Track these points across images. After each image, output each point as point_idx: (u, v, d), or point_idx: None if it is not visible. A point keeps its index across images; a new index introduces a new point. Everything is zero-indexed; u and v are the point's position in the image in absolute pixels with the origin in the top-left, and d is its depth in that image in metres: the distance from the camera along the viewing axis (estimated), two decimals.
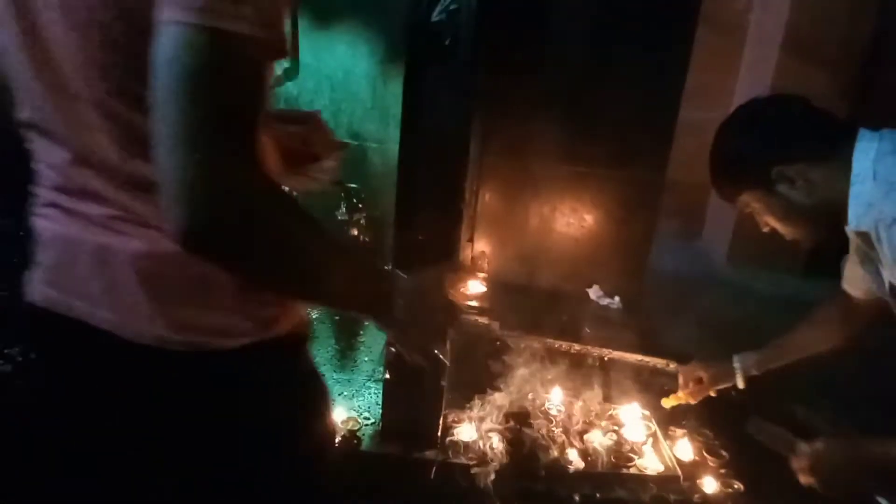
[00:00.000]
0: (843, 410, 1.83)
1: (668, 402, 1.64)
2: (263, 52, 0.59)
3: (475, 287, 2.16)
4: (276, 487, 0.79)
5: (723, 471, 1.57)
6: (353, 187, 2.14)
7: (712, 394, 1.60)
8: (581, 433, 1.66)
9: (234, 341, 0.73)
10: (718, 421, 1.72)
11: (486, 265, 2.32)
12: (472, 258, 2.33)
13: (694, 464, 1.59)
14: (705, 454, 1.62)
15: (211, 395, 0.75)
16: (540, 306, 2.14)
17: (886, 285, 1.12)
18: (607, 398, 1.83)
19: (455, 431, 1.60)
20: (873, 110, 2.65)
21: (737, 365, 1.57)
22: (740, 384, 1.57)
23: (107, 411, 0.78)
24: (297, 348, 0.81)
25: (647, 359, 1.96)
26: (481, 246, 2.33)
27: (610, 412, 1.77)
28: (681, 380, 1.64)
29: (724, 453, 1.62)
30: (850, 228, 1.08)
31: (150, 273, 0.71)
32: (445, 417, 1.60)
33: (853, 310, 1.41)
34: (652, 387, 1.87)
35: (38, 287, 0.77)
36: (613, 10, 2.02)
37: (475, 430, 1.61)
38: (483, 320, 1.99)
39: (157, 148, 0.56)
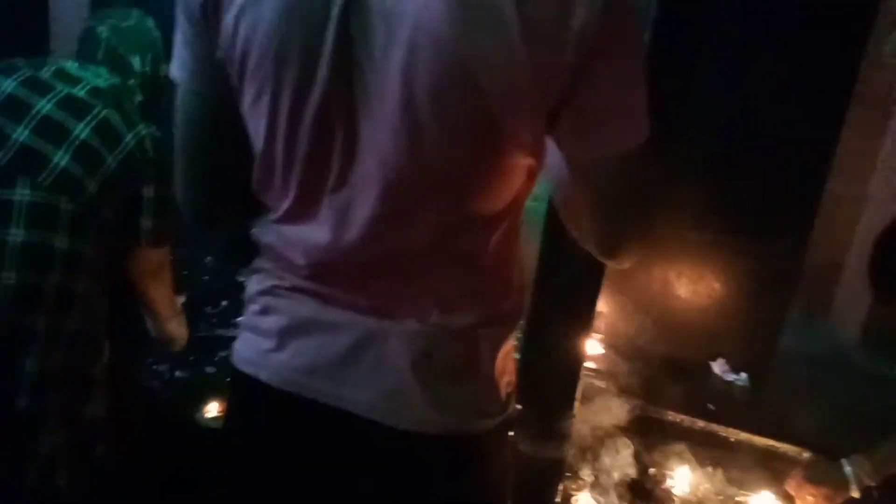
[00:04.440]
0: None
1: None
2: None
3: (592, 347, 2.11)
4: None
5: None
6: None
7: None
8: None
9: (490, 422, 0.76)
10: None
11: (602, 326, 2.26)
12: None
13: None
14: None
15: (458, 479, 0.76)
16: (658, 374, 2.05)
17: None
18: (733, 482, 1.71)
19: (573, 500, 1.54)
20: None
21: (849, 473, 1.45)
22: (856, 495, 1.44)
23: (349, 493, 0.78)
24: (512, 428, 0.86)
25: (777, 444, 1.83)
26: (599, 306, 2.28)
27: (738, 498, 1.65)
28: (797, 500, 1.55)
29: None
30: None
31: (420, 352, 0.73)
32: (564, 486, 1.55)
33: None
34: (783, 475, 1.74)
35: (280, 371, 0.77)
36: (765, 75, 1.96)
37: (593, 499, 1.54)
38: (600, 384, 1.93)
39: (591, 223, 0.76)
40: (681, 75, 1.97)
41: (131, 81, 1.48)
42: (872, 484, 1.45)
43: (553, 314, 1.40)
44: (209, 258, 2.63)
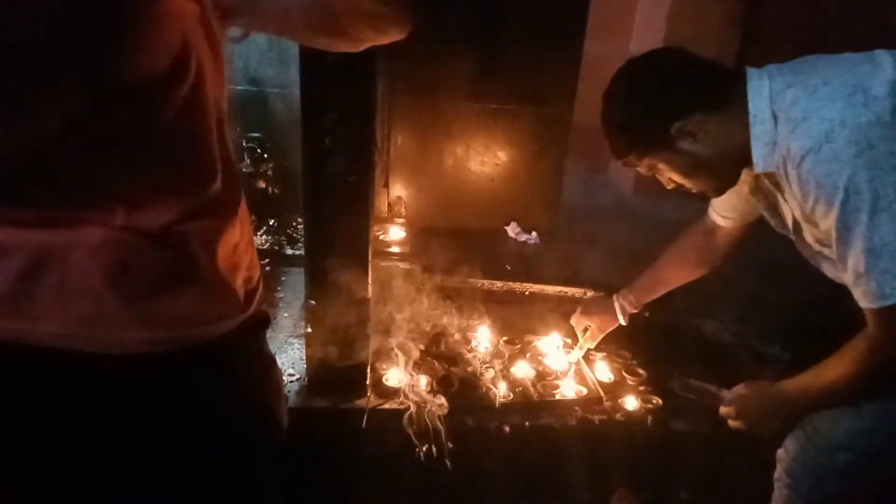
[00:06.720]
0: (746, 322, 1.97)
1: (575, 356, 1.71)
2: None
3: (395, 233, 2.13)
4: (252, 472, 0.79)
5: (642, 388, 1.65)
6: (256, 136, 2.02)
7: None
8: (507, 367, 1.69)
9: (224, 325, 0.68)
10: (634, 341, 1.80)
11: (403, 210, 2.28)
12: (389, 204, 2.29)
13: (614, 384, 1.66)
14: (624, 374, 1.70)
15: (196, 396, 0.69)
16: (460, 247, 2.14)
17: (789, 221, 1.15)
18: (531, 331, 1.87)
19: (383, 378, 1.59)
20: (760, 37, 2.78)
21: (616, 305, 1.64)
22: (623, 322, 1.64)
23: (68, 441, 0.66)
24: (265, 326, 0.78)
25: (566, 289, 2.02)
26: (397, 191, 2.29)
27: (533, 343, 1.81)
28: (577, 331, 1.72)
29: (641, 371, 1.70)
30: (757, 171, 1.08)
31: (113, 264, 0.61)
32: (372, 365, 1.59)
33: (715, 239, 1.46)
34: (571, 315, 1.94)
35: None
36: None
37: (403, 373, 1.61)
38: (404, 265, 1.97)
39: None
40: None
41: None
42: (635, 311, 1.65)
43: (327, 202, 1.36)
44: None
